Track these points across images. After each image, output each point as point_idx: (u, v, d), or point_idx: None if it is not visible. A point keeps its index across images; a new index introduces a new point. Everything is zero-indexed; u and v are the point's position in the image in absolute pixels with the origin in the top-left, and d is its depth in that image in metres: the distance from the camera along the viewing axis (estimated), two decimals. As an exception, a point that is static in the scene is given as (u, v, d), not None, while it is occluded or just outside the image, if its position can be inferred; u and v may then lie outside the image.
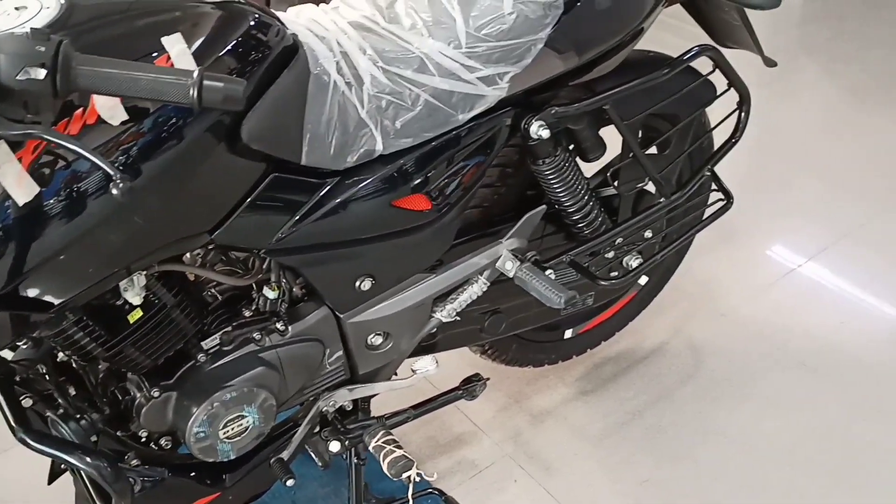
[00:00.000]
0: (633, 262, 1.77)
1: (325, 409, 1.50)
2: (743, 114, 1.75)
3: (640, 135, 1.75)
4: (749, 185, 2.68)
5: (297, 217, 1.25)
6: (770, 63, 1.80)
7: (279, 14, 1.30)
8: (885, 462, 1.83)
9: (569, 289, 1.54)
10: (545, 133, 1.42)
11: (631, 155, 1.60)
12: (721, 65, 1.65)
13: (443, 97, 1.29)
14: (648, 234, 1.78)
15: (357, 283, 1.38)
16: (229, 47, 1.11)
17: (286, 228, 1.25)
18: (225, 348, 1.34)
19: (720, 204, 1.82)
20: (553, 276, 1.57)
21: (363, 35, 1.29)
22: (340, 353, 1.47)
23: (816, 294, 2.29)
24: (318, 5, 1.38)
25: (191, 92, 0.92)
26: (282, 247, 1.26)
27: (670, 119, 1.72)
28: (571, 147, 1.58)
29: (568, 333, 1.98)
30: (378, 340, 1.48)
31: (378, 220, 1.33)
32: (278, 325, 1.37)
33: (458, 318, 1.55)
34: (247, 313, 1.37)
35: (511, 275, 1.51)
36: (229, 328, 1.34)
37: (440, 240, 1.44)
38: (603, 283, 1.66)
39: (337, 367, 1.49)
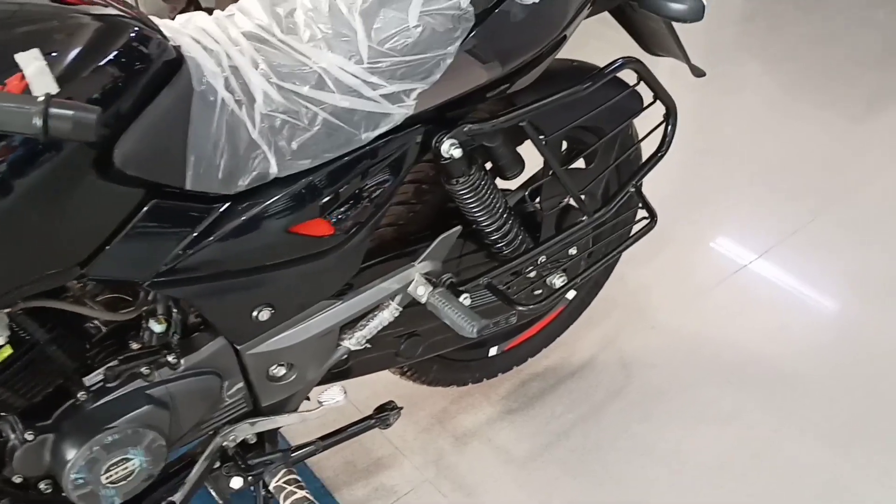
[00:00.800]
0: (557, 281, 1.70)
1: (225, 443, 1.41)
2: (669, 126, 1.69)
3: (563, 147, 1.69)
4: (686, 187, 2.63)
5: (183, 246, 1.14)
6: (698, 73, 1.74)
7: (166, 22, 1.20)
8: (812, 478, 1.80)
9: (489, 311, 1.46)
10: (457, 152, 1.34)
11: (551, 172, 1.53)
12: (645, 76, 1.58)
13: (343, 116, 1.19)
14: (573, 251, 1.71)
15: (254, 314, 1.28)
16: (101, 63, 1.01)
17: (170, 258, 1.14)
18: (109, 385, 1.24)
19: (644, 223, 1.75)
20: (469, 300, 1.49)
21: (257, 47, 1.19)
22: (241, 384, 1.38)
23: (751, 301, 2.25)
24: (211, 13, 1.28)
25: (35, 121, 0.82)
26: (166, 279, 1.16)
27: (595, 131, 1.65)
28: (488, 165, 1.50)
29: (493, 351, 1.91)
30: (281, 371, 1.39)
31: (274, 247, 1.23)
32: (169, 358, 1.26)
33: (368, 346, 1.46)
34: (135, 345, 1.27)
35: (423, 301, 1.43)
36: (115, 362, 1.24)
37: (345, 266, 1.35)
38: (520, 307, 1.58)
39: (237, 399, 1.39)
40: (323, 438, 1.54)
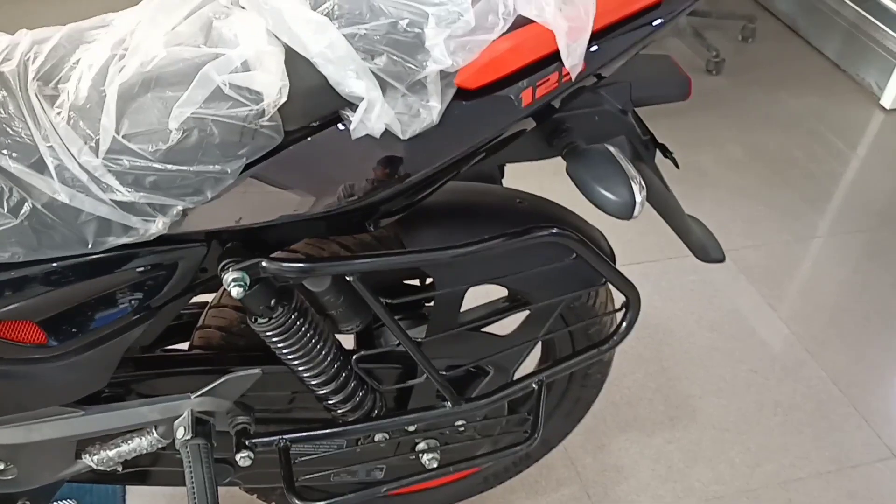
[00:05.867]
0: (427, 459, 1.33)
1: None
2: (625, 322, 1.26)
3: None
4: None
5: None
6: (709, 256, 1.30)
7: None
8: None
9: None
10: (236, 291, 1.01)
11: (397, 344, 1.16)
12: (584, 255, 1.15)
13: (61, 212, 0.91)
14: (462, 429, 1.34)
15: (-50, 401, 1.05)
16: None
17: None
18: None
19: (521, 437, 1.30)
20: (250, 461, 1.17)
21: (18, 102, 0.92)
22: (-39, 460, 1.16)
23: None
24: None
25: None
26: None
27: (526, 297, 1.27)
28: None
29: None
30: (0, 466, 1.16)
31: (-43, 342, 0.98)
32: None
33: (118, 469, 1.19)
34: None
35: (177, 445, 1.13)
36: None
37: (78, 379, 1.07)
38: (298, 502, 1.22)
39: (-41, 474, 1.18)
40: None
